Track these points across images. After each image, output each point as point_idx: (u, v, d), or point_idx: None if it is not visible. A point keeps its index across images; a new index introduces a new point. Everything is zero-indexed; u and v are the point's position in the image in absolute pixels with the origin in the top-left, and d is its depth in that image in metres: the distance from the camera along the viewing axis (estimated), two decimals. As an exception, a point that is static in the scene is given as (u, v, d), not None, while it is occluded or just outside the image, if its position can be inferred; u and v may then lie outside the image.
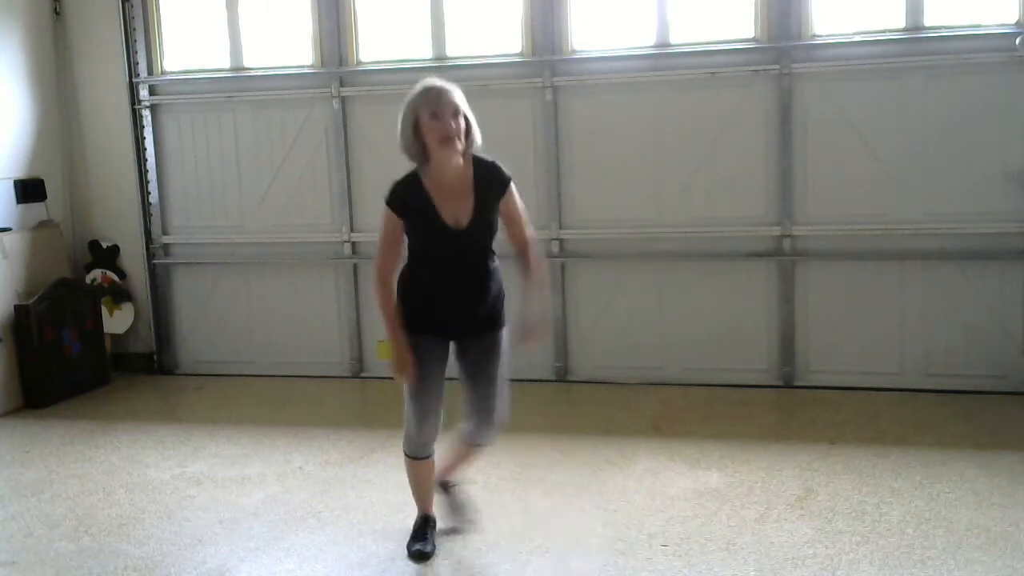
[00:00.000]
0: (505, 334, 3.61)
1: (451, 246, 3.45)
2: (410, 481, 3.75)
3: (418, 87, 3.42)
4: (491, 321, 3.56)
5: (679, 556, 3.61)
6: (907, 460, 4.46)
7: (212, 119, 6.50)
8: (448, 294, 3.49)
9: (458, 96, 3.40)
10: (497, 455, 4.69)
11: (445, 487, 3.92)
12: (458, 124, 3.36)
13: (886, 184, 5.50)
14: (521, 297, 3.58)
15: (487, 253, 3.52)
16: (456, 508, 3.93)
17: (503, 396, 3.63)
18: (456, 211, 3.42)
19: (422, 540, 3.70)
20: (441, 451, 3.76)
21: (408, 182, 3.47)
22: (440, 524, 3.85)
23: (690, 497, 4.15)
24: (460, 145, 3.37)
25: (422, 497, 3.77)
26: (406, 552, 3.69)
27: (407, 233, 3.48)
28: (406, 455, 3.66)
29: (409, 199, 3.44)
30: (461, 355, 3.60)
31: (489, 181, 3.47)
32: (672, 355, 5.91)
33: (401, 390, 3.60)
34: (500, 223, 3.52)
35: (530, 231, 3.59)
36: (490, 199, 3.46)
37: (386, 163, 6.17)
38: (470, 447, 3.77)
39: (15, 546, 3.95)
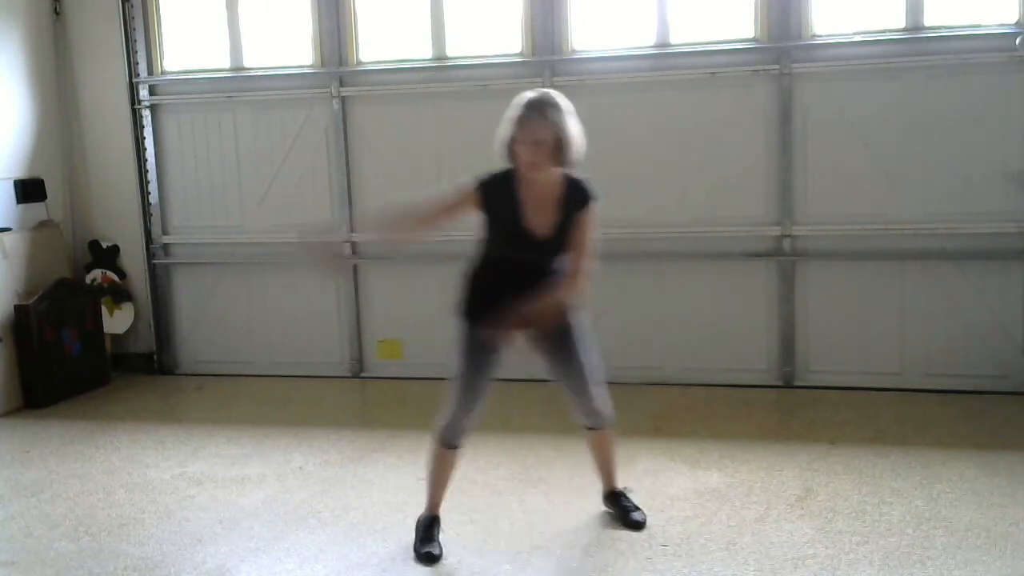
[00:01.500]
0: (580, 322, 3.66)
1: (527, 252, 3.50)
2: (430, 471, 3.74)
3: (518, 101, 3.44)
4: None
5: (679, 556, 3.61)
6: (907, 460, 4.46)
7: (212, 119, 6.50)
8: (514, 286, 3.50)
9: (551, 116, 3.39)
10: (497, 455, 4.70)
11: (616, 497, 3.95)
12: (541, 150, 3.38)
13: (886, 184, 5.50)
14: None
15: (557, 266, 3.55)
16: (627, 516, 3.91)
17: (596, 373, 3.69)
18: (540, 221, 3.47)
19: (430, 542, 3.69)
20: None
21: (504, 177, 3.49)
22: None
23: (690, 497, 4.15)
24: (542, 170, 3.42)
25: (435, 492, 3.76)
26: (413, 555, 3.67)
27: (487, 227, 3.50)
28: (437, 442, 3.68)
29: (498, 194, 3.47)
30: (543, 351, 3.67)
31: (576, 200, 3.50)
32: (672, 355, 5.91)
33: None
34: None
35: (587, 261, 3.51)
36: (573, 216, 3.50)
37: (386, 163, 6.24)
38: (594, 433, 3.84)
39: (15, 546, 3.95)
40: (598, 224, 3.55)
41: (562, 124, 3.42)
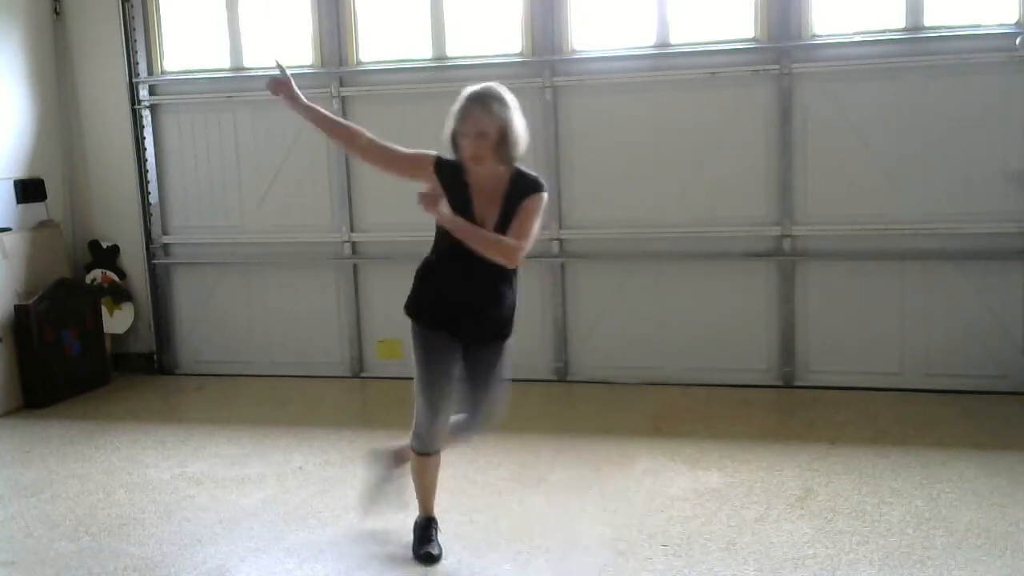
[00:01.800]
0: (510, 345, 3.63)
1: None
2: (414, 478, 3.73)
3: (462, 94, 3.44)
4: (500, 329, 3.58)
5: (679, 556, 3.61)
6: (907, 460, 4.46)
7: (212, 119, 6.50)
8: (464, 293, 3.50)
9: (495, 110, 3.36)
10: (497, 455, 4.70)
11: (398, 462, 3.84)
12: (484, 143, 3.36)
13: (886, 184, 5.50)
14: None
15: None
16: (388, 487, 3.86)
17: (498, 399, 3.65)
18: (486, 212, 3.44)
19: (428, 542, 3.69)
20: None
21: (458, 167, 3.47)
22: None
23: (690, 497, 4.15)
24: (485, 163, 3.39)
25: (426, 497, 3.75)
26: (413, 556, 3.67)
27: (438, 225, 3.45)
28: (413, 451, 3.65)
29: (452, 179, 3.45)
30: (465, 355, 3.59)
31: (522, 192, 3.46)
32: (672, 355, 5.91)
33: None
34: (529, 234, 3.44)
35: (520, 241, 3.40)
36: (518, 207, 3.44)
37: (386, 163, 6.23)
38: (454, 437, 3.73)
39: (15, 546, 3.95)
40: (540, 214, 3.47)
41: (506, 117, 3.38)
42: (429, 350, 3.51)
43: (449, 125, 3.45)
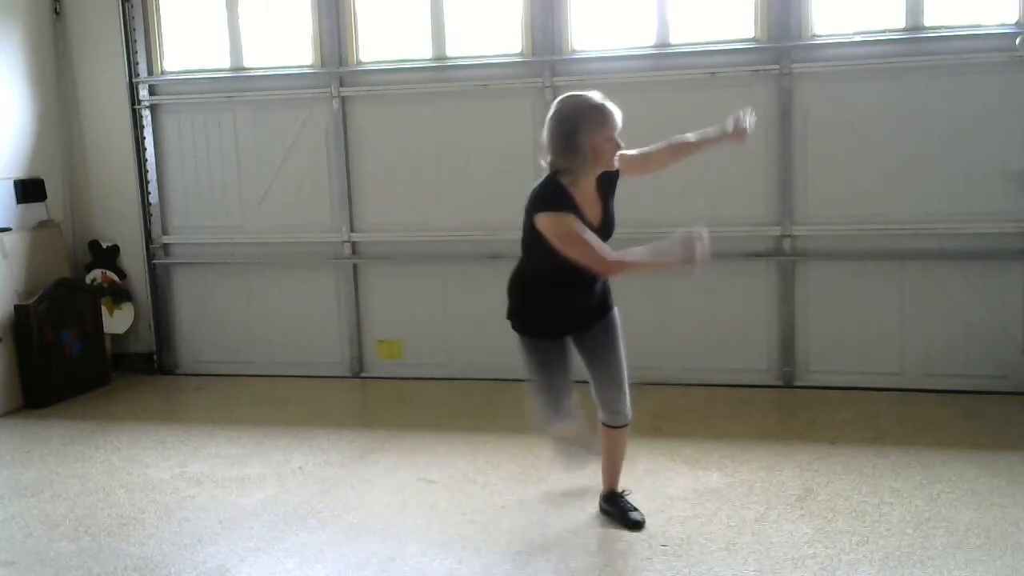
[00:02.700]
0: (616, 315, 3.78)
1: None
2: (603, 455, 3.93)
3: (592, 104, 3.48)
4: (604, 307, 3.74)
5: (679, 556, 3.61)
6: (907, 460, 4.46)
7: (212, 119, 6.51)
8: (575, 297, 3.63)
9: None
10: (497, 455, 4.70)
11: (616, 499, 3.97)
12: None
13: (886, 184, 5.50)
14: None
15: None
16: (626, 516, 3.94)
17: (625, 379, 3.80)
18: (593, 213, 3.55)
19: (632, 508, 3.89)
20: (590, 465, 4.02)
21: (558, 188, 3.51)
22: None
23: (690, 497, 4.15)
24: None
25: (606, 471, 3.94)
26: (627, 526, 3.83)
27: (544, 240, 3.46)
28: (556, 434, 3.88)
29: (566, 202, 3.50)
30: (580, 343, 3.75)
31: (606, 184, 3.60)
32: (672, 355, 5.91)
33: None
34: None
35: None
36: (609, 199, 3.62)
37: (386, 163, 6.24)
38: (611, 432, 3.87)
39: (15, 546, 3.95)
40: None
41: None
42: (543, 357, 3.70)
43: (586, 133, 3.42)
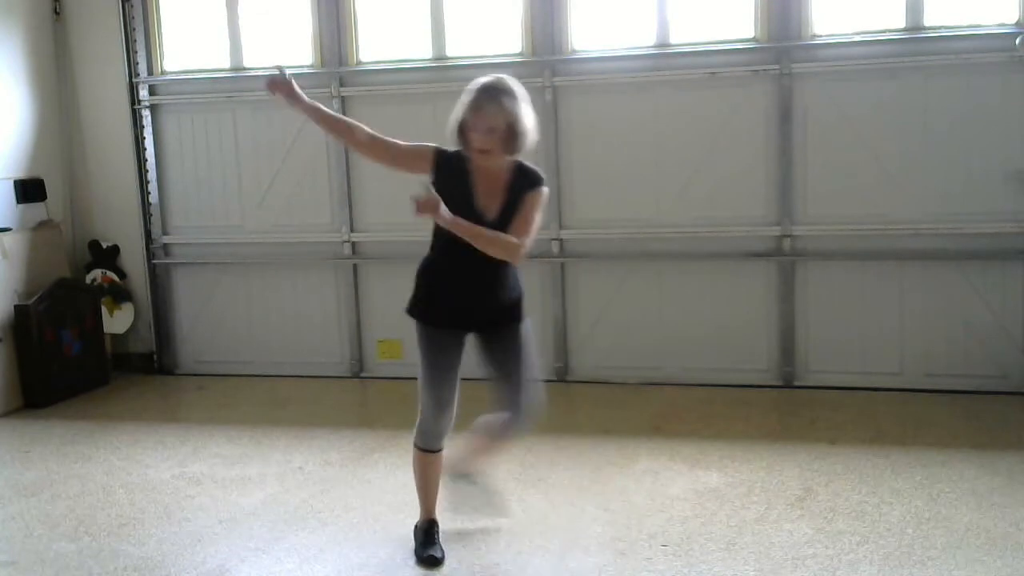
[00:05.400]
0: (528, 328, 3.61)
1: None
2: (417, 478, 3.70)
3: (472, 85, 3.41)
4: (509, 314, 3.57)
5: (679, 556, 3.61)
6: (907, 460, 4.46)
7: (212, 119, 6.51)
8: (465, 283, 3.48)
9: (505, 103, 3.35)
10: (497, 455, 4.69)
11: (467, 478, 3.86)
12: (493, 137, 3.35)
13: (886, 184, 5.50)
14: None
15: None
16: (484, 497, 3.87)
17: (533, 390, 3.61)
18: (489, 202, 3.43)
19: (432, 545, 3.66)
20: (456, 445, 3.76)
21: (458, 157, 3.46)
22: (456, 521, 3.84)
23: (690, 497, 4.15)
24: (493, 157, 3.39)
25: (428, 497, 3.72)
26: (415, 560, 3.65)
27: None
28: (417, 448, 3.63)
29: (452, 170, 3.44)
30: (485, 350, 3.60)
31: (523, 185, 3.46)
32: (672, 355, 5.91)
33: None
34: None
35: (522, 239, 3.40)
36: (519, 200, 3.44)
37: (386, 163, 6.23)
38: (495, 440, 3.72)
39: (15, 546, 3.95)
40: (541, 210, 3.48)
41: (516, 111, 3.37)
42: (434, 347, 3.52)
43: (457, 114, 3.42)
